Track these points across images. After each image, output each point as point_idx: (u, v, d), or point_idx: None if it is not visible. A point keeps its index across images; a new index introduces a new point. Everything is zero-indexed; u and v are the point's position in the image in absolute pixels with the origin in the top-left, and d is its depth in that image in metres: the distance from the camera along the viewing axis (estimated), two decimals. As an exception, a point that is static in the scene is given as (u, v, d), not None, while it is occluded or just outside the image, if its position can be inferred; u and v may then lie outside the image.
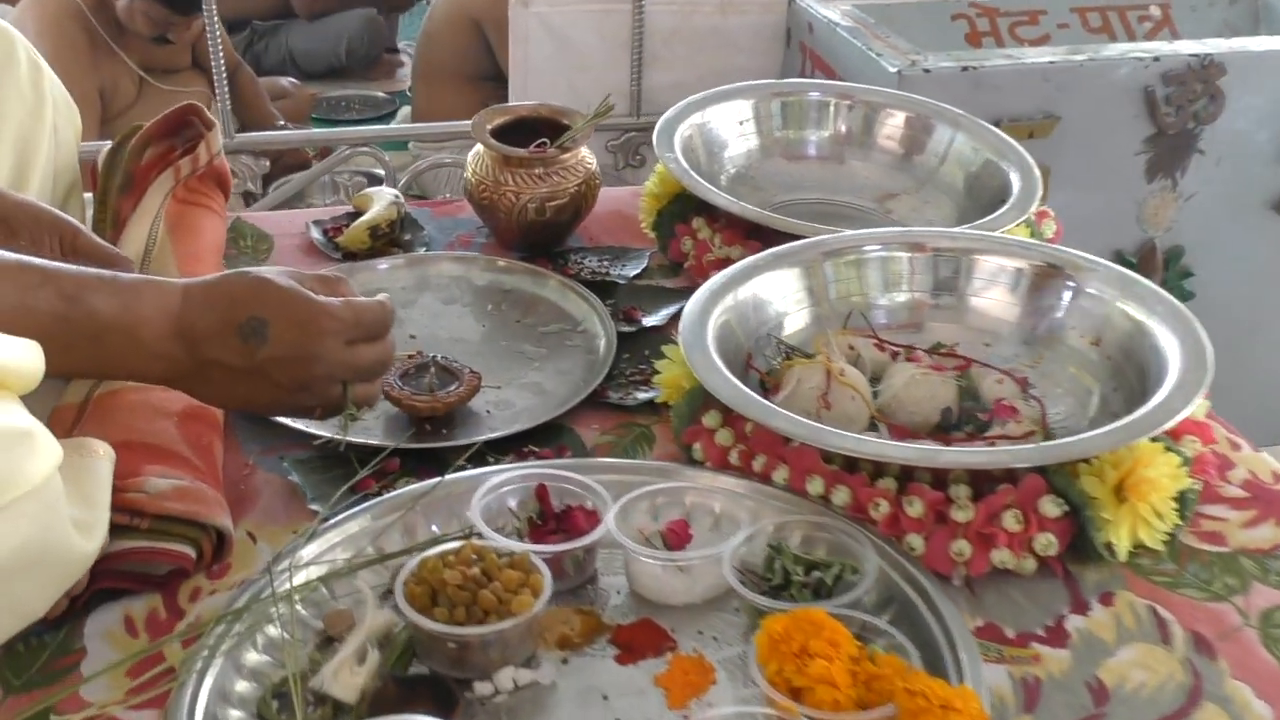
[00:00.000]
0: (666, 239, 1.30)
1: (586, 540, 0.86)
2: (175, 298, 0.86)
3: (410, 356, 1.10)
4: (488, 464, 1.00)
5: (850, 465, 0.91)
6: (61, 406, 0.97)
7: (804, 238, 1.15)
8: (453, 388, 1.07)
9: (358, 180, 2.21)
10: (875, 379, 1.05)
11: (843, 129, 1.41)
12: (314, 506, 0.95)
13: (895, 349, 1.09)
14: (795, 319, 1.11)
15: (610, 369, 1.13)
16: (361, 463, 0.95)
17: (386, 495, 0.92)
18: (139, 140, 1.23)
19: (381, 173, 2.39)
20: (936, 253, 1.12)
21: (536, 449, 1.03)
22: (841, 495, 0.90)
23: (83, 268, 0.85)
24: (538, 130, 1.33)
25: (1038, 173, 1.28)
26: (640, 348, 1.17)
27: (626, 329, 1.19)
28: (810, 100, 1.40)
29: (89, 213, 1.25)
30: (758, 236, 1.23)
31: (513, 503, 0.92)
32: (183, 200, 1.22)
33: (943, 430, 1.00)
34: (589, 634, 0.84)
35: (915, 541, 0.87)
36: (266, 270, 0.90)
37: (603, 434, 1.06)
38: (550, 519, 0.90)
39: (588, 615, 0.85)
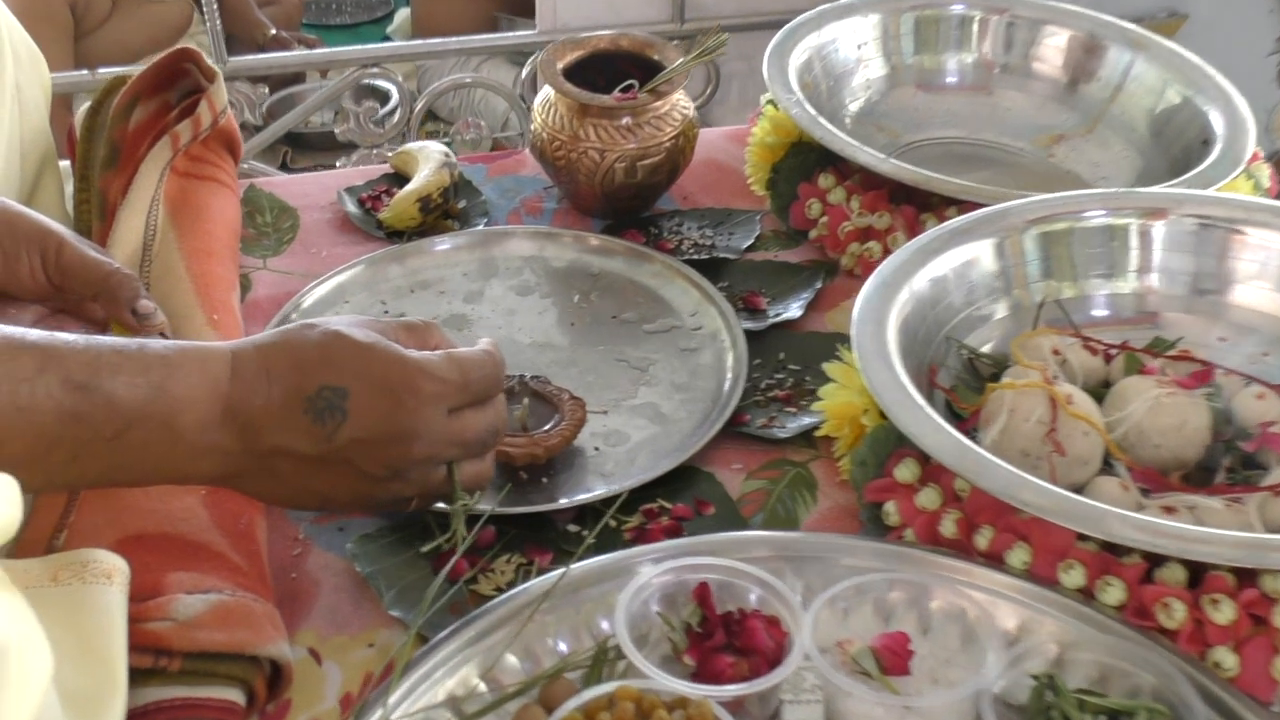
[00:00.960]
0: (785, 201, 1.05)
1: (780, 674, 0.63)
2: (221, 367, 0.63)
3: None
4: (610, 530, 0.77)
5: (1115, 544, 0.68)
6: (50, 483, 0.73)
7: (979, 204, 0.91)
8: (553, 424, 0.83)
9: (368, 106, 1.93)
10: (1093, 395, 0.81)
11: (990, 51, 1.15)
12: (395, 613, 0.72)
13: (1108, 350, 0.85)
14: (985, 312, 0.87)
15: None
16: (444, 533, 0.72)
17: (495, 602, 0.69)
18: (124, 98, 0.97)
19: (390, 87, 2.10)
20: (1198, 222, 0.87)
21: (668, 503, 0.80)
22: (1113, 593, 0.67)
23: (94, 339, 0.61)
24: (618, 68, 1.07)
25: (1245, 110, 1.03)
26: (772, 348, 0.93)
27: (751, 325, 0.95)
28: (951, 15, 1.14)
29: (69, 189, 1.00)
30: (906, 198, 0.98)
31: (658, 602, 0.69)
32: (184, 173, 0.97)
33: (1208, 471, 0.77)
34: (792, 805, 0.62)
35: (1225, 658, 0.64)
36: (338, 321, 0.66)
37: (748, 477, 0.83)
38: (715, 627, 0.67)
39: (788, 778, 0.63)
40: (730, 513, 0.79)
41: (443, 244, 1.02)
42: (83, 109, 0.98)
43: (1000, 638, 0.66)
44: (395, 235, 1.04)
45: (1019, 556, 0.69)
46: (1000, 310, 0.87)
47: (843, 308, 0.98)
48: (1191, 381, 0.80)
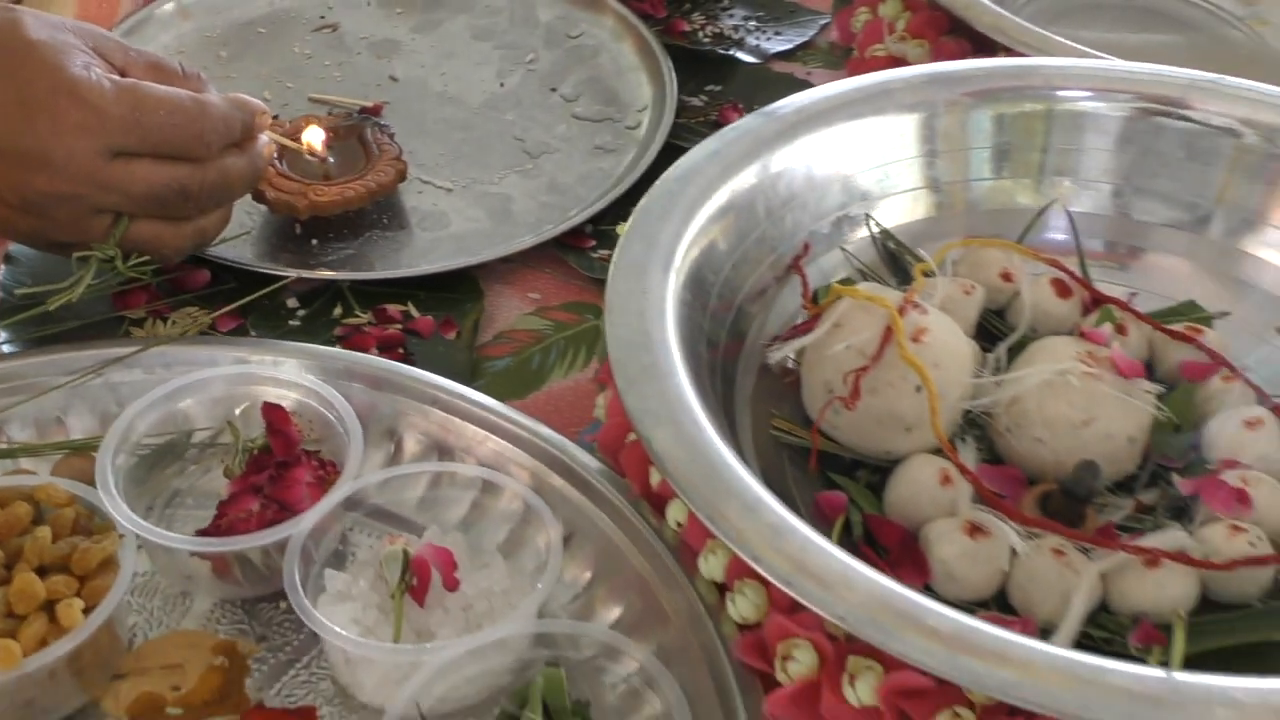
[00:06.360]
0: (842, 3, 0.81)
1: (278, 534, 0.48)
2: None
3: (342, 118, 0.72)
4: (320, 320, 0.63)
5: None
6: None
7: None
8: (357, 176, 0.68)
9: None
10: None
11: None
12: None
13: (1094, 295, 0.59)
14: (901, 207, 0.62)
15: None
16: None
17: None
18: None
19: None
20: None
21: (416, 312, 0.64)
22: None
23: None
24: None
25: None
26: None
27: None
28: None
29: None
30: (969, 36, 0.72)
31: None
32: None
33: (1074, 498, 0.51)
34: (206, 704, 0.47)
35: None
36: (43, 18, 0.56)
37: (535, 311, 0.65)
38: (273, 465, 0.52)
39: (220, 670, 0.47)
40: (466, 345, 0.62)
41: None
42: None
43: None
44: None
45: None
46: (926, 204, 0.62)
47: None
48: (1132, 368, 0.54)
